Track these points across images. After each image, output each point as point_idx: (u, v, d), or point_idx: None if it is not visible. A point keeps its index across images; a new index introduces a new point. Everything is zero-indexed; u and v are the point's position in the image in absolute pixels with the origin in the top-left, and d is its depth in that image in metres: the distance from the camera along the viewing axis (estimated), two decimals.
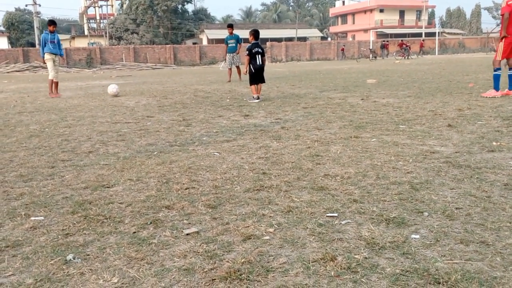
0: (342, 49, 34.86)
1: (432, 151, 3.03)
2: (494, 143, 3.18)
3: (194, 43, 40.18)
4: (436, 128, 3.88)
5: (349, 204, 2.07)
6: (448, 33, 50.00)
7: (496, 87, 6.02)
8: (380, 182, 2.40)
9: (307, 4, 68.21)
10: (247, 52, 6.63)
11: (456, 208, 1.96)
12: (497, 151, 2.97)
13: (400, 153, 3.02)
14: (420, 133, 3.70)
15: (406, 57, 29.57)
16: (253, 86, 6.70)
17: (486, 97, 5.94)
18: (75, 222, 1.96)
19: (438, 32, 41.84)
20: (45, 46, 8.39)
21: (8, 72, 26.51)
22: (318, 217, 1.92)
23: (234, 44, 11.13)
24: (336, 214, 1.94)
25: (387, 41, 34.69)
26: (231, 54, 11.18)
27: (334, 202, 2.10)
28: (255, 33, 6.73)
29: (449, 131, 3.73)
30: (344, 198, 2.16)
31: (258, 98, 6.63)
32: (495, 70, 6.04)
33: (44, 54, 8.47)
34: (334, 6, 60.40)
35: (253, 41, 6.67)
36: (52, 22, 8.68)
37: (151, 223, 1.92)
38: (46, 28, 8.59)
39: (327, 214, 1.94)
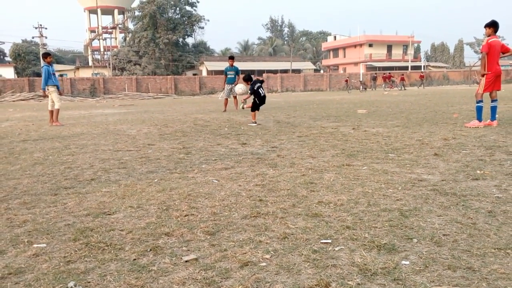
0: (346, 81, 35.23)
1: (420, 179, 3.16)
2: (478, 172, 3.33)
3: (194, 74, 41.29)
4: (423, 157, 4.04)
5: (342, 230, 2.15)
6: (433, 67, 52.06)
7: (479, 118, 6.30)
8: (371, 209, 2.49)
9: (301, 39, 71.03)
10: (250, 91, 7.44)
11: (444, 235, 2.06)
12: (481, 179, 3.11)
13: (389, 181, 3.14)
14: (408, 161, 3.85)
15: (403, 88, 30.55)
16: (253, 113, 7.51)
17: (470, 127, 6.19)
18: (76, 249, 1.99)
19: (424, 66, 43.53)
20: (48, 78, 8.59)
21: (13, 101, 26.72)
22: (313, 243, 1.99)
23: (233, 76, 11.34)
24: (329, 241, 2.01)
25: (389, 73, 35.67)
26: (230, 85, 11.42)
27: (328, 229, 2.18)
28: (248, 78, 7.67)
29: (436, 160, 3.89)
30: (337, 224, 2.24)
31: (255, 123, 7.34)
32: (478, 102, 6.34)
33: (46, 86, 8.65)
34: (326, 41, 62.94)
35: (253, 80, 7.56)
36: (48, 54, 8.91)
37: (151, 250, 1.96)
38: (42, 61, 8.79)
39: (321, 241, 2.01)
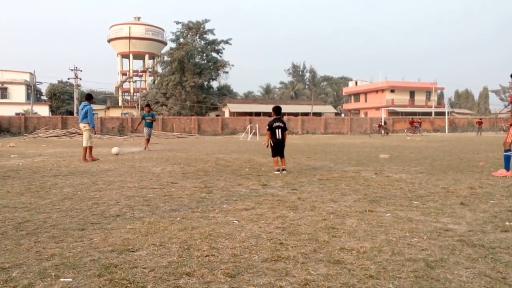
0: (379, 125, 32.96)
1: (446, 229, 3.07)
2: (507, 223, 3.20)
3: (217, 115, 42.66)
4: (449, 206, 3.94)
5: (365, 279, 2.10)
6: (457, 113, 51.45)
7: (507, 167, 6.12)
8: (395, 258, 2.43)
9: (322, 83, 72.65)
10: (268, 127, 7.00)
11: None
12: (510, 231, 2.99)
13: (414, 229, 3.07)
14: (434, 210, 3.75)
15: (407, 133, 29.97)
16: (274, 159, 7.00)
17: (497, 176, 6.01)
18: (101, 285, 2.04)
19: (448, 112, 43.11)
20: (88, 116, 9.09)
21: (47, 137, 28.23)
22: None
23: (150, 120, 13.85)
24: None
25: (412, 118, 35.06)
26: (148, 128, 13.87)
27: (351, 277, 2.14)
28: (276, 109, 7.13)
29: (462, 209, 3.78)
30: (360, 273, 2.20)
31: (278, 170, 6.74)
32: (505, 151, 6.20)
33: (84, 124, 9.12)
34: (348, 85, 64.05)
35: (274, 117, 7.03)
36: (91, 96, 9.56)
37: None
38: (83, 100, 9.41)
39: None
